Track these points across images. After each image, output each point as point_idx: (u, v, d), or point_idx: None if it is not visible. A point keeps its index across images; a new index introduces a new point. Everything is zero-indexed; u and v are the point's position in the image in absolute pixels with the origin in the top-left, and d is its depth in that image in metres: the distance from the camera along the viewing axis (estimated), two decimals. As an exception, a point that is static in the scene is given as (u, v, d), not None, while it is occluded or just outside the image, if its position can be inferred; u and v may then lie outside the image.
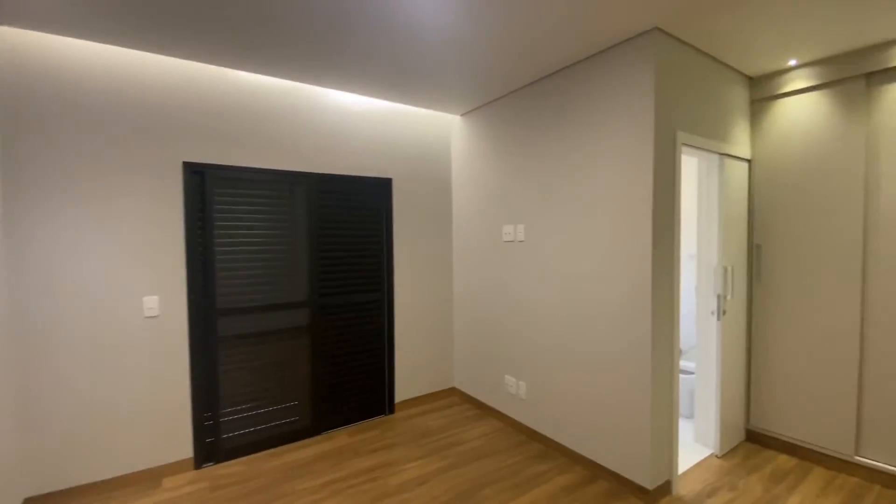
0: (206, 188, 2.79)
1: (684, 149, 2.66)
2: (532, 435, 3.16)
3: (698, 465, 2.81)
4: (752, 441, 3.10)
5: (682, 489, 2.54)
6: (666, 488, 2.48)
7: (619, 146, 2.50)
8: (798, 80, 2.78)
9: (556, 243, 2.93)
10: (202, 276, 2.81)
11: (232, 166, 2.88)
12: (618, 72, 2.49)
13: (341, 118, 3.33)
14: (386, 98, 3.46)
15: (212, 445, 2.86)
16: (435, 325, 3.90)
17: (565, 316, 2.87)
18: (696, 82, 2.59)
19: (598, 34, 2.37)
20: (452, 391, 4.02)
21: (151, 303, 2.66)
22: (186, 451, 2.79)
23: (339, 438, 3.18)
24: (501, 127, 3.38)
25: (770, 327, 2.99)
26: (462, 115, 3.85)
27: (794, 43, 2.47)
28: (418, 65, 2.76)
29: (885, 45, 2.43)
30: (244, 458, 2.92)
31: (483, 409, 3.66)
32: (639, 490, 2.44)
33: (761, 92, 2.96)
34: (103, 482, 2.55)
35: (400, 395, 3.68)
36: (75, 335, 2.47)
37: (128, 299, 2.60)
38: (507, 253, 3.35)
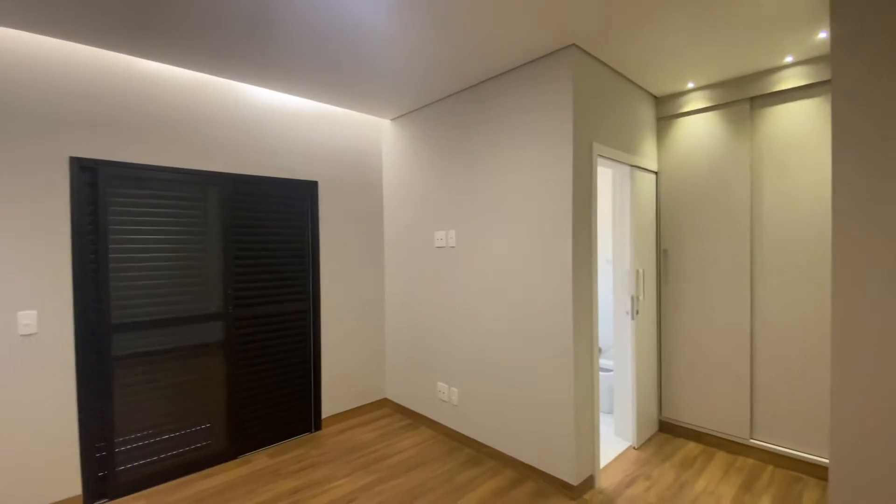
0: (99, 187, 2.48)
1: (600, 160, 2.83)
2: (464, 441, 3.15)
3: (618, 457, 2.96)
4: (665, 431, 3.33)
5: (604, 482, 2.65)
6: (589, 483, 2.58)
7: (541, 155, 2.60)
8: (696, 101, 3.09)
9: (485, 249, 2.97)
10: (93, 288, 2.47)
11: (133, 164, 2.59)
12: (540, 84, 2.60)
13: (263, 116, 3.14)
14: (313, 98, 3.32)
15: (106, 480, 2.50)
16: (365, 335, 3.77)
17: (494, 320, 2.91)
18: (611, 98, 2.78)
19: (521, 48, 2.45)
20: (384, 402, 3.91)
21: (28, 318, 2.29)
22: (74, 488, 2.42)
23: (259, 461, 2.94)
24: (432, 133, 3.38)
25: (677, 325, 3.25)
26: (392, 119, 3.80)
27: (691, 68, 2.74)
28: (347, 67, 2.68)
29: (766, 72, 2.78)
30: (146, 492, 2.59)
31: (415, 419, 3.59)
32: (564, 487, 2.51)
33: (666, 110, 3.25)
34: (-42, 536, 2.13)
35: (327, 410, 3.50)
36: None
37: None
38: (440, 259, 3.34)
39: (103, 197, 2.49)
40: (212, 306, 2.88)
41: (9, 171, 2.25)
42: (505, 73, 2.80)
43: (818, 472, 2.65)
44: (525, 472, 2.73)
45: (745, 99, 2.87)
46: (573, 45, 2.43)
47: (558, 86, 2.50)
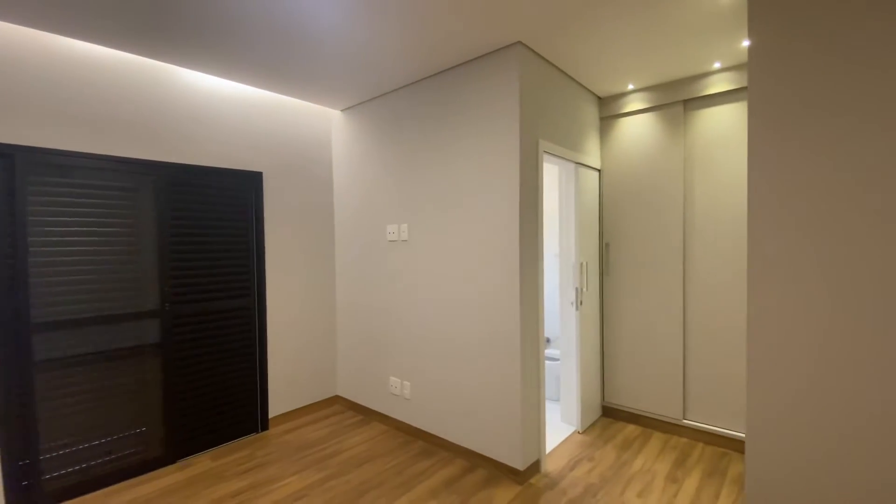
0: (17, 175, 2.27)
1: (546, 156, 2.92)
2: (416, 434, 3.17)
3: (564, 441, 3.09)
4: (607, 416, 3.51)
5: (549, 466, 2.76)
6: (536, 467, 2.68)
7: (489, 150, 2.65)
8: (635, 103, 3.26)
9: (436, 242, 2.99)
10: (8, 284, 2.27)
11: (56, 150, 2.39)
12: (488, 79, 2.65)
13: (204, 103, 2.99)
14: (258, 86, 3.20)
15: (30, 489, 2.31)
16: (315, 331, 3.70)
17: (445, 312, 2.94)
18: (556, 97, 2.88)
19: (468, 43, 2.49)
20: (335, 399, 3.85)
21: None
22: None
23: (201, 464, 2.82)
24: (382, 125, 3.36)
25: (617, 315, 3.43)
26: (342, 110, 3.74)
27: (631, 70, 2.89)
28: (295, 54, 2.61)
29: (697, 77, 2.97)
30: (76, 500, 2.42)
31: (367, 415, 3.57)
32: (512, 472, 2.59)
33: (608, 110, 3.41)
34: None
35: (275, 409, 3.40)
36: None
37: None
38: (392, 252, 3.33)
39: (21, 185, 2.28)
40: (147, 303, 2.72)
41: None
42: (454, 67, 2.83)
43: (743, 448, 2.89)
44: (475, 460, 2.79)
45: (678, 101, 3.06)
46: (519, 42, 2.50)
47: (505, 82, 2.56)
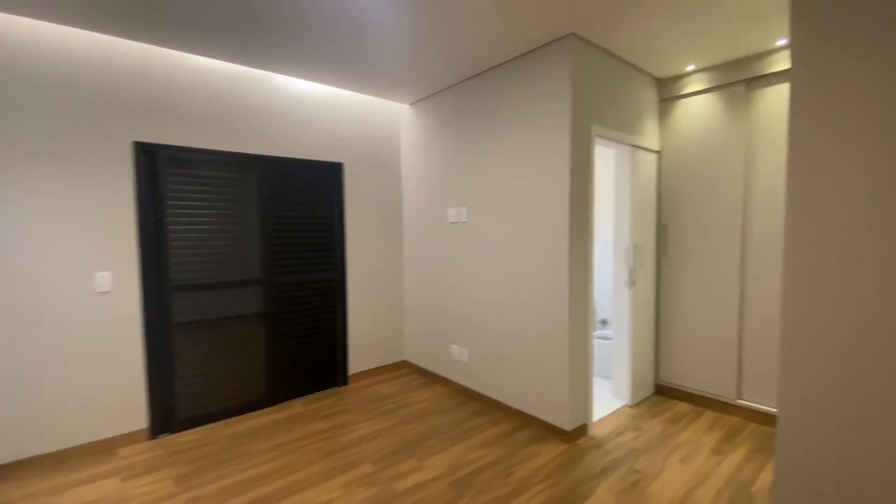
0: (157, 167, 2.88)
1: (600, 140, 3.05)
2: (473, 396, 3.51)
3: (613, 413, 3.26)
4: (660, 394, 3.61)
5: (596, 431, 2.97)
6: (582, 430, 2.90)
7: (541, 137, 2.85)
8: (695, 83, 3.25)
9: (492, 223, 3.26)
10: (155, 254, 2.90)
11: (184, 147, 2.98)
12: (540, 71, 2.83)
13: (293, 104, 3.48)
14: (338, 85, 3.64)
15: (167, 416, 2.98)
16: (387, 302, 4.16)
17: (501, 287, 3.22)
18: (611, 82, 2.98)
19: (524, 38, 2.69)
20: (403, 364, 4.31)
21: (103, 279, 2.74)
22: (141, 422, 2.90)
23: (295, 407, 3.39)
24: (445, 117, 3.66)
25: (673, 295, 3.48)
26: (410, 104, 4.09)
27: (691, 51, 2.91)
28: (367, 56, 2.98)
29: (761, 55, 2.92)
30: (200, 428, 3.07)
31: (431, 378, 3.97)
32: (559, 433, 2.84)
33: (668, 92, 3.42)
34: (58, 452, 2.63)
35: (353, 367, 3.92)
36: (26, 309, 2.52)
37: (79, 276, 2.67)
38: (452, 233, 3.65)
39: (161, 175, 2.89)
40: (253, 273, 3.30)
41: (85, 154, 2.67)
42: (510, 60, 3.04)
43: (796, 428, 2.89)
44: (525, 420, 3.07)
45: (741, 80, 3.02)
46: (572, 34, 2.65)
47: (557, 73, 2.73)
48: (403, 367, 4.30)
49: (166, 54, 2.91)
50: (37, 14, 2.41)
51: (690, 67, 3.19)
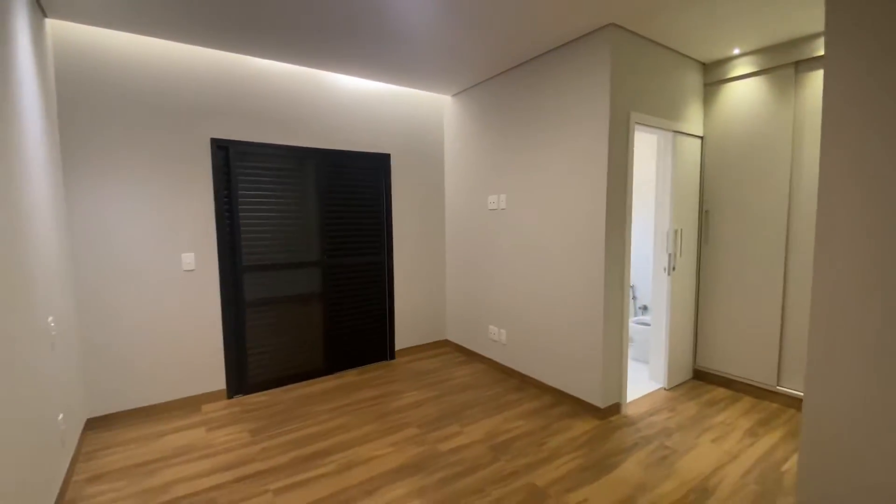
0: (231, 160, 3.26)
1: (641, 127, 3.10)
2: (511, 373, 3.72)
3: (648, 395, 3.36)
4: (699, 379, 3.65)
5: (629, 410, 3.09)
6: (615, 409, 3.04)
7: (580, 125, 2.95)
8: (742, 67, 3.20)
9: (530, 210, 3.41)
10: (230, 238, 3.30)
11: (251, 142, 3.34)
12: (579, 61, 2.92)
13: (343, 99, 3.76)
14: (383, 80, 3.88)
15: (241, 380, 3.41)
16: (430, 284, 4.42)
17: (537, 271, 3.38)
18: (652, 69, 3.02)
19: (562, 30, 2.78)
20: (445, 342, 4.57)
21: (188, 258, 3.16)
22: (220, 384, 3.34)
23: (348, 377, 3.74)
24: (485, 107, 3.80)
25: (715, 281, 3.49)
26: (453, 95, 4.26)
27: (736, 34, 2.88)
28: (411, 51, 3.18)
29: (810, 37, 2.85)
30: (267, 392, 3.48)
31: (471, 356, 4.21)
32: (593, 409, 3.00)
33: (712, 76, 3.38)
34: (152, 406, 3.10)
35: (400, 344, 4.23)
36: (126, 285, 2.98)
37: (168, 255, 3.10)
38: (491, 219, 3.83)
39: (234, 168, 3.27)
40: (311, 256, 3.64)
41: (172, 151, 3.07)
42: (547, 52, 3.13)
43: (838, 416, 2.87)
44: (561, 397, 3.24)
45: (789, 63, 2.95)
46: (612, 24, 2.72)
47: (596, 62, 2.81)
48: (445, 346, 4.57)
49: (234, 58, 3.25)
50: (123, 26, 2.79)
51: (736, 51, 3.15)
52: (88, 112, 2.80)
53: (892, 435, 1.63)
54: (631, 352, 4.09)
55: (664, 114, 3.15)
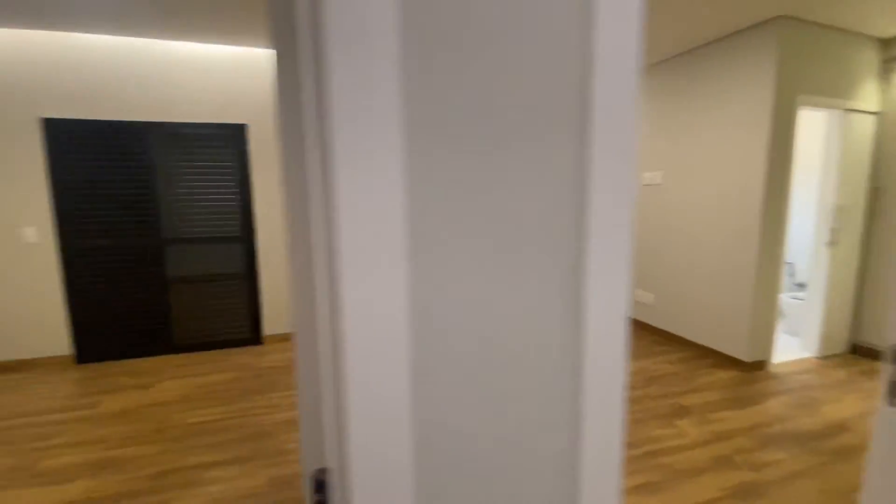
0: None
1: (809, 107, 3.26)
2: (655, 331, 4.23)
3: (797, 360, 3.57)
4: (856, 353, 3.70)
5: (776, 369, 3.40)
6: (760, 365, 3.39)
7: (741, 110, 3.26)
8: (930, 40, 3.14)
9: (684, 186, 3.82)
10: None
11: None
12: (744, 51, 3.22)
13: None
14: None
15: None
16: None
17: (690, 240, 3.80)
18: (821, 51, 3.17)
19: (728, 23, 3.10)
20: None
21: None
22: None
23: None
24: (646, 91, 4.23)
25: (884, 258, 3.51)
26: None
27: (922, 10, 2.89)
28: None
29: None
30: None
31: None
32: (738, 363, 3.40)
33: (891, 52, 3.34)
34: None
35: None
36: None
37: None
38: (647, 194, 4.30)
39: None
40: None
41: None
42: (711, 42, 3.46)
43: None
44: (706, 351, 3.68)
45: None
46: (780, 16, 2.98)
47: (762, 51, 3.09)
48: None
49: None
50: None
51: (923, 24, 3.10)
52: None
53: None
54: (782, 326, 4.22)
55: (833, 93, 3.27)
